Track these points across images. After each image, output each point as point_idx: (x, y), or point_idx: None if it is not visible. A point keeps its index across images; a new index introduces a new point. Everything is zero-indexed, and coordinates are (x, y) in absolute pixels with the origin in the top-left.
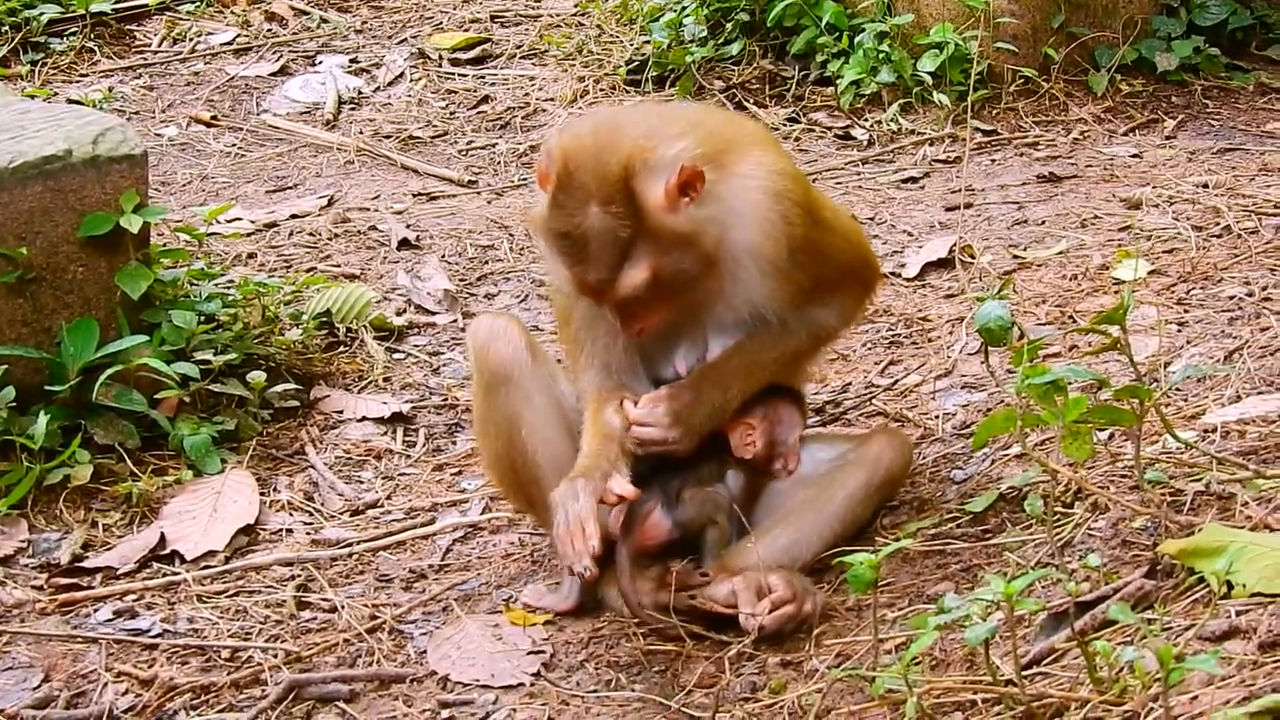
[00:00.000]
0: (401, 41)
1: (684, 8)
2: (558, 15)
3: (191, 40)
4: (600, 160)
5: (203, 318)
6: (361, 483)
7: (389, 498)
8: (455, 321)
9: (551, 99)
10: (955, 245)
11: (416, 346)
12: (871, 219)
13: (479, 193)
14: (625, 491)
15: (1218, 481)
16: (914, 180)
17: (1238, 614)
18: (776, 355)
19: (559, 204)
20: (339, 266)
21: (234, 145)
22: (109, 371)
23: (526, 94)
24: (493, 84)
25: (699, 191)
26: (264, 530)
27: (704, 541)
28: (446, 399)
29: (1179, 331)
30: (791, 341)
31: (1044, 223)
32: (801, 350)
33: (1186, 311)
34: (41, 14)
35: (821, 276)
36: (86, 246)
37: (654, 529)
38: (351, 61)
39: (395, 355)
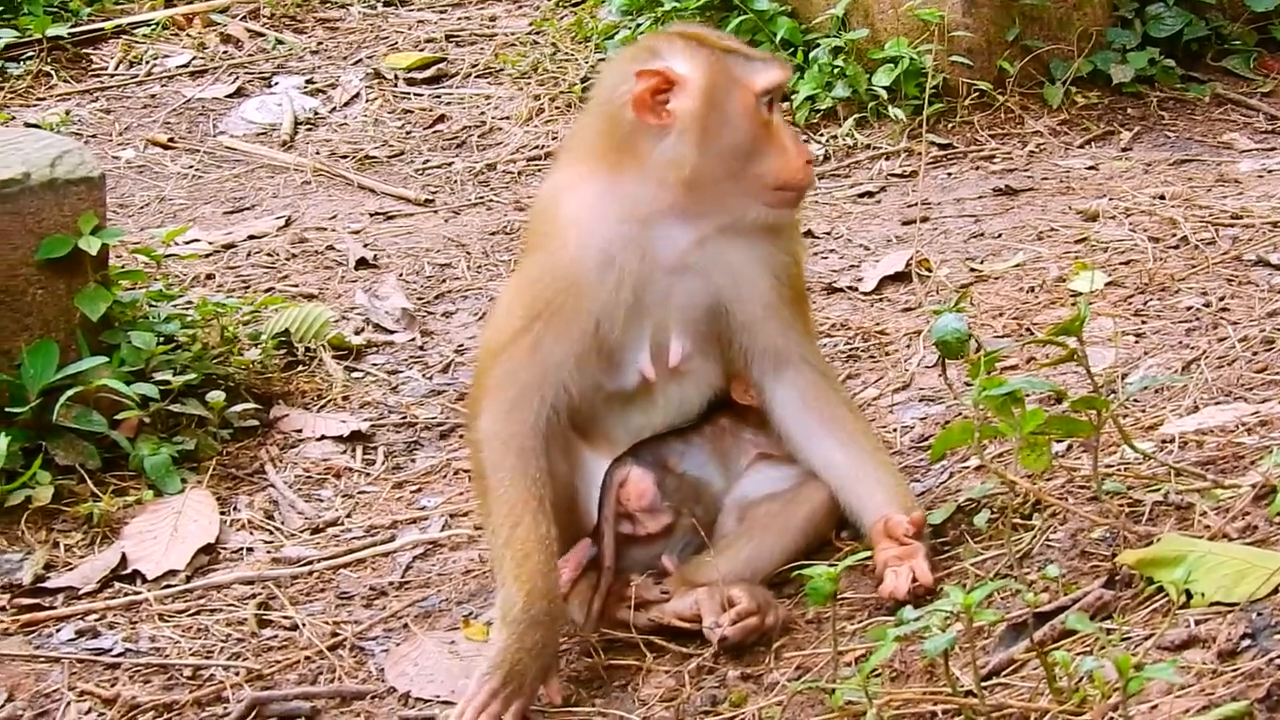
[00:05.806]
0: (357, 62)
1: (638, 25)
2: (513, 34)
3: (148, 63)
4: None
5: (162, 338)
6: (321, 501)
7: (349, 515)
8: (413, 340)
9: (507, 117)
10: (912, 259)
11: (375, 365)
12: (828, 233)
13: (436, 211)
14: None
15: (1176, 492)
16: (870, 195)
17: (1196, 623)
18: None
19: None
20: (297, 286)
21: (191, 167)
22: (69, 393)
23: (482, 113)
24: (448, 103)
25: None
26: (224, 549)
27: (675, 528)
28: (405, 417)
29: (1136, 342)
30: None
31: (1000, 235)
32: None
33: (1144, 322)
34: None
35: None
36: (45, 269)
37: (638, 486)
38: (307, 82)
39: (354, 374)
